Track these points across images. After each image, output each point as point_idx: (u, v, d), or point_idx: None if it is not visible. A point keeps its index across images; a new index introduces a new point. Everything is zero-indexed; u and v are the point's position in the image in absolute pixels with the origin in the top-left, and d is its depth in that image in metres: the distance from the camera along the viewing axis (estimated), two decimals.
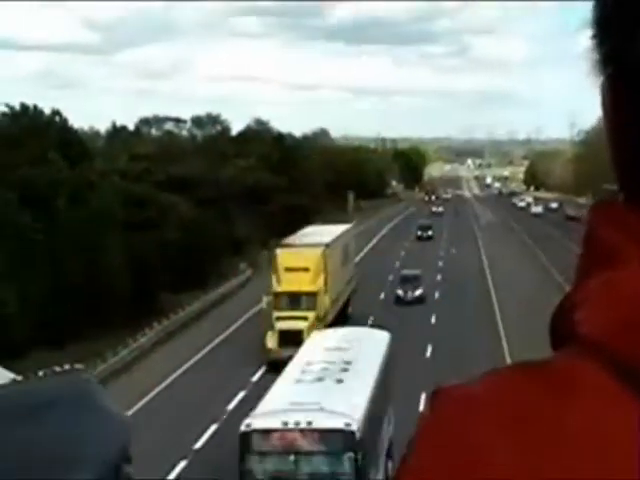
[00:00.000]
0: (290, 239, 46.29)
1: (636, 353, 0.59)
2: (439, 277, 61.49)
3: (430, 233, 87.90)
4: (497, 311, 49.57)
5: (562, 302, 0.67)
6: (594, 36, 0.67)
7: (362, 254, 71.81)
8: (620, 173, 0.69)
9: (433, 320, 47.11)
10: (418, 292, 51.82)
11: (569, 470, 0.58)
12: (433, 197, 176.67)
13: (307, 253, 40.82)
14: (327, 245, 42.42)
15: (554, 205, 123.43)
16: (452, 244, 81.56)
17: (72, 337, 42.67)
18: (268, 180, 79.36)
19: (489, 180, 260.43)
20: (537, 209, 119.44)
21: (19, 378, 0.77)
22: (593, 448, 0.58)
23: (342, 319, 42.80)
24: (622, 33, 0.64)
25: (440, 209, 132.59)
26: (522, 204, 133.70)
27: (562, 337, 0.65)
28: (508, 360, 34.45)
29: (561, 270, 51.51)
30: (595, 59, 0.68)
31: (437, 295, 54.49)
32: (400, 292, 52.12)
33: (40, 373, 0.77)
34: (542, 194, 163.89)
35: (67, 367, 0.80)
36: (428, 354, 40.04)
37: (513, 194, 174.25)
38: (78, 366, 0.80)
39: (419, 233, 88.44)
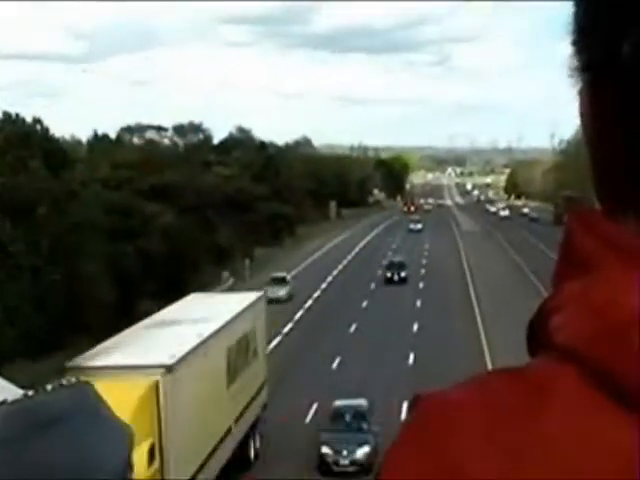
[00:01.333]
0: (94, 352, 21.37)
1: (611, 360, 0.60)
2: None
3: (403, 275, 64.16)
4: None
5: (539, 308, 0.67)
6: (574, 43, 0.68)
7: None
8: (597, 180, 0.70)
9: None
10: (362, 451, 25.97)
11: (548, 475, 0.59)
12: (412, 208, 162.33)
13: (117, 392, 12.70)
14: (169, 368, 19.36)
15: (525, 210, 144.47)
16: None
17: (54, 347, 42.51)
18: (250, 188, 79.40)
19: (469, 186, 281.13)
20: (505, 213, 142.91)
21: (30, 393, 0.78)
22: (571, 454, 0.59)
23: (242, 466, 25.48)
24: (607, 40, 0.64)
25: (419, 226, 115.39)
26: (493, 209, 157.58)
27: (539, 343, 0.65)
28: None
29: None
30: (574, 66, 0.68)
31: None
32: (328, 451, 26.17)
33: (48, 387, 0.78)
34: (518, 202, 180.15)
35: (73, 380, 0.81)
36: None
37: (489, 202, 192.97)
38: (82, 378, 0.80)
39: (388, 275, 64.34)
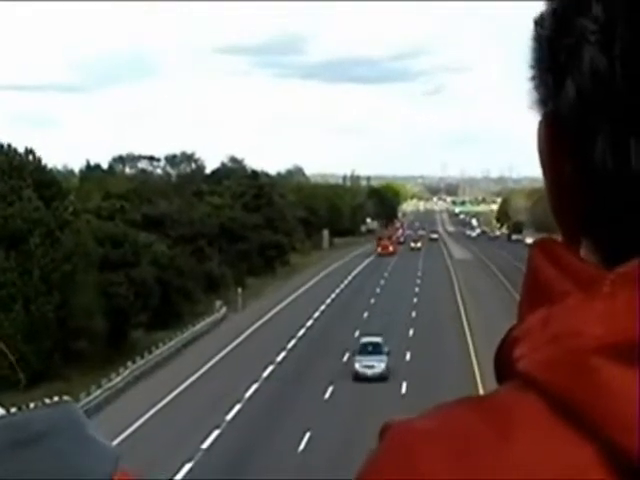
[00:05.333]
0: None
1: (571, 388, 0.61)
2: None
3: None
4: None
5: (504, 338, 0.68)
6: (532, 78, 0.71)
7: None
8: (555, 212, 0.72)
9: None
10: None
11: None
12: (391, 247, 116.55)
13: None
14: None
15: (497, 233, 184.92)
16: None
17: (45, 377, 42.37)
18: (243, 218, 79.49)
19: (457, 210, 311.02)
20: (473, 234, 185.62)
21: (13, 410, 0.77)
22: None
23: None
24: (552, 80, 0.68)
25: (380, 367, 43.74)
26: (468, 232, 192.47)
27: (506, 371, 0.67)
28: None
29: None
30: (534, 99, 0.71)
31: None
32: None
33: (32, 405, 0.77)
34: (500, 230, 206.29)
35: (56, 399, 0.81)
36: None
37: (471, 228, 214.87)
38: (66, 398, 0.80)
39: None
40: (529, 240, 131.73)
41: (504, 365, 0.67)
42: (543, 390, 0.62)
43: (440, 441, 0.64)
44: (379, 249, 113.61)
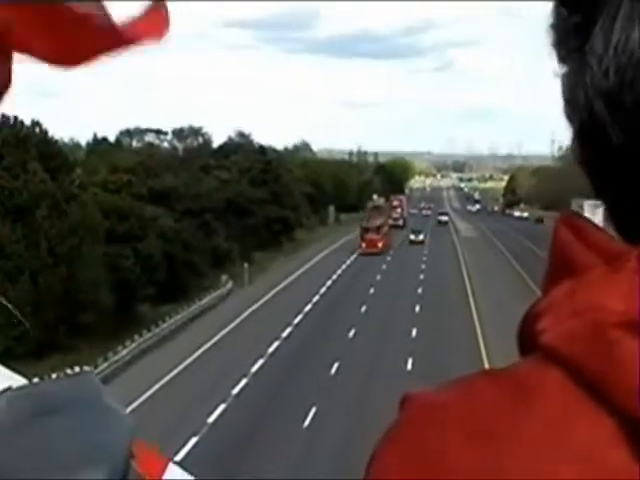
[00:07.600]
0: None
1: (594, 361, 0.61)
2: None
3: None
4: None
5: (527, 312, 0.68)
6: (552, 45, 0.71)
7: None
8: (580, 166, 0.71)
9: None
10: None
11: (528, 475, 0.60)
12: (381, 242, 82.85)
13: None
14: None
15: (496, 208, 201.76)
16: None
17: (52, 349, 42.45)
18: (249, 193, 79.35)
19: (462, 185, 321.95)
20: (473, 208, 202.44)
21: (35, 380, 0.78)
22: (551, 455, 0.60)
23: None
24: (563, 49, 0.69)
25: None
26: (469, 207, 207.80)
27: (528, 345, 0.67)
28: None
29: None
30: (557, 52, 0.71)
31: None
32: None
33: (53, 375, 0.79)
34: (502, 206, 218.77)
35: (77, 369, 0.82)
36: None
37: (474, 202, 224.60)
38: (86, 368, 0.81)
39: None
40: (517, 213, 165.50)
41: (527, 338, 0.67)
42: (564, 363, 0.62)
43: (459, 415, 0.64)
44: (363, 245, 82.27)
